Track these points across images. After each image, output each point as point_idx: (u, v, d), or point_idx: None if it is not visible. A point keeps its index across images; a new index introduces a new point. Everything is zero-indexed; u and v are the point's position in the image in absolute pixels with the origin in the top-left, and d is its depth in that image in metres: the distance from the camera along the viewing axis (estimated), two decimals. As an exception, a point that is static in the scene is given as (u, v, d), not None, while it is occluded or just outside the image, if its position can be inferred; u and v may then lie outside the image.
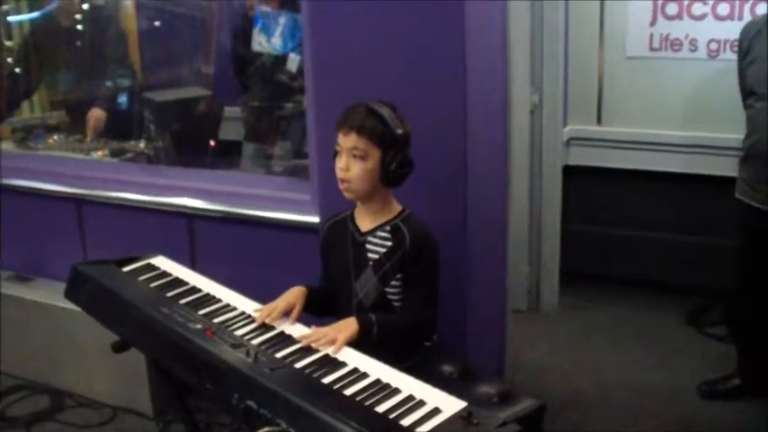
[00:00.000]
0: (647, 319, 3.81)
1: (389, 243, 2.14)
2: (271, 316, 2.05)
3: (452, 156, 2.44)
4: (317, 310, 2.22)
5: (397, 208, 2.19)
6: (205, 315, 2.08)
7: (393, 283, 2.14)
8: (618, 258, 4.04)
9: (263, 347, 1.91)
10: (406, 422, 1.58)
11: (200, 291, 2.24)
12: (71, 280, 2.34)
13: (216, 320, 2.05)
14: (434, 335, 2.23)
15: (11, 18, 4.38)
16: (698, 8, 3.57)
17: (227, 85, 3.89)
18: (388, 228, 2.15)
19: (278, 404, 1.65)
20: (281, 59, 3.54)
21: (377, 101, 2.09)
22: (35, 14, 4.31)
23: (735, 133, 3.10)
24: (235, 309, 2.13)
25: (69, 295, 2.36)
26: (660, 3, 3.63)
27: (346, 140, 2.07)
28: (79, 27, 4.11)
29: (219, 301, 2.18)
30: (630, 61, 3.79)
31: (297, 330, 2.01)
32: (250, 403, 1.70)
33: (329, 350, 1.89)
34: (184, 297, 2.19)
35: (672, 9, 3.62)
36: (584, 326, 3.82)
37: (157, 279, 2.32)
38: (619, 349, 3.56)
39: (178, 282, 2.30)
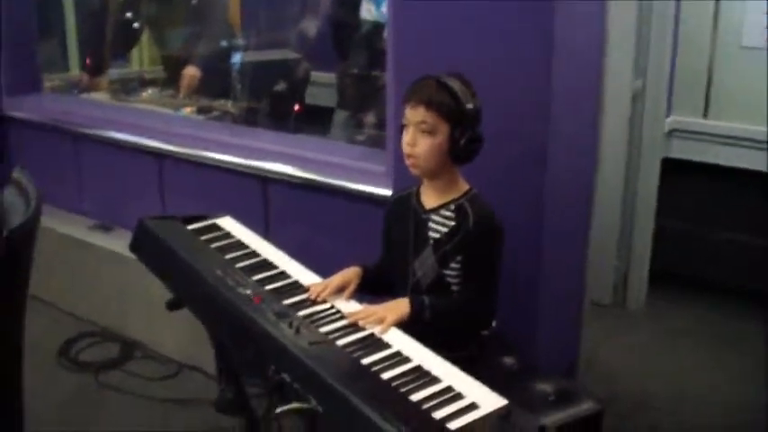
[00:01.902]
0: (738, 328, 3.56)
1: (452, 223, 2.03)
2: (324, 292, 1.98)
3: (532, 135, 2.32)
4: (374, 289, 2.13)
5: (464, 187, 2.07)
6: (258, 281, 2.03)
7: (452, 265, 2.03)
8: (714, 261, 3.80)
9: (309, 320, 1.85)
10: (438, 415, 1.49)
11: (258, 255, 2.20)
12: (136, 233, 2.33)
13: (267, 287, 1.99)
14: (492, 324, 2.12)
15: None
16: (826, -2, 3.29)
17: (321, 49, 3.85)
18: (452, 207, 2.04)
19: (310, 380, 1.59)
20: (381, 28, 3.47)
21: (447, 73, 1.98)
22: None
23: None
24: (289, 277, 2.08)
25: (134, 248, 2.35)
26: (784, -10, 3.36)
27: (414, 114, 1.97)
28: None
29: (276, 268, 2.13)
30: (746, 51, 3.51)
31: (348, 307, 1.94)
32: (284, 376, 1.64)
33: (376, 329, 1.82)
34: (242, 261, 2.15)
35: (798, -4, 3.34)
36: (669, 328, 3.61)
37: (219, 240, 2.28)
38: (703, 357, 3.35)
39: (239, 245, 2.26)
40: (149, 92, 3.94)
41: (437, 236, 2.04)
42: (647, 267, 3.77)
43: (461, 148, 1.96)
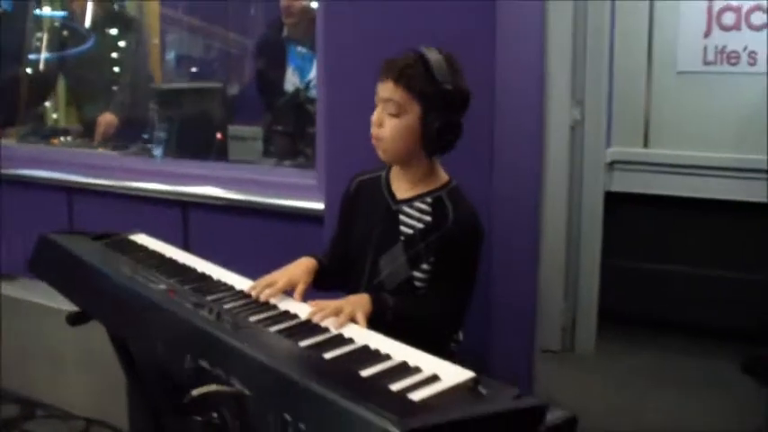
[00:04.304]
0: (696, 366, 3.37)
1: (428, 218, 1.77)
2: (267, 293, 1.67)
3: (476, 172, 2.12)
4: (326, 285, 1.85)
5: (443, 177, 1.82)
6: (176, 281, 1.75)
7: (424, 266, 1.76)
8: (664, 297, 3.63)
9: (235, 311, 1.57)
10: (394, 387, 1.22)
11: (175, 261, 1.93)
12: (36, 249, 2.06)
13: (186, 287, 1.71)
14: (459, 336, 1.87)
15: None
16: (758, 17, 3.28)
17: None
18: (428, 199, 1.78)
19: (234, 361, 1.32)
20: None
21: (435, 48, 1.73)
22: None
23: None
24: (210, 277, 1.81)
25: (33, 265, 2.07)
26: (716, 12, 3.34)
27: (382, 89, 1.73)
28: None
29: (195, 270, 1.86)
30: (682, 76, 3.48)
31: (298, 308, 1.62)
32: (202, 363, 1.37)
33: (343, 327, 1.51)
34: (157, 266, 1.87)
35: (729, 18, 3.33)
36: (623, 370, 3.41)
37: (132, 251, 2.00)
38: (662, 395, 3.14)
39: (155, 255, 1.99)
40: (61, 139, 3.65)
41: (410, 232, 1.78)
42: (595, 309, 3.57)
43: (432, 136, 1.71)
